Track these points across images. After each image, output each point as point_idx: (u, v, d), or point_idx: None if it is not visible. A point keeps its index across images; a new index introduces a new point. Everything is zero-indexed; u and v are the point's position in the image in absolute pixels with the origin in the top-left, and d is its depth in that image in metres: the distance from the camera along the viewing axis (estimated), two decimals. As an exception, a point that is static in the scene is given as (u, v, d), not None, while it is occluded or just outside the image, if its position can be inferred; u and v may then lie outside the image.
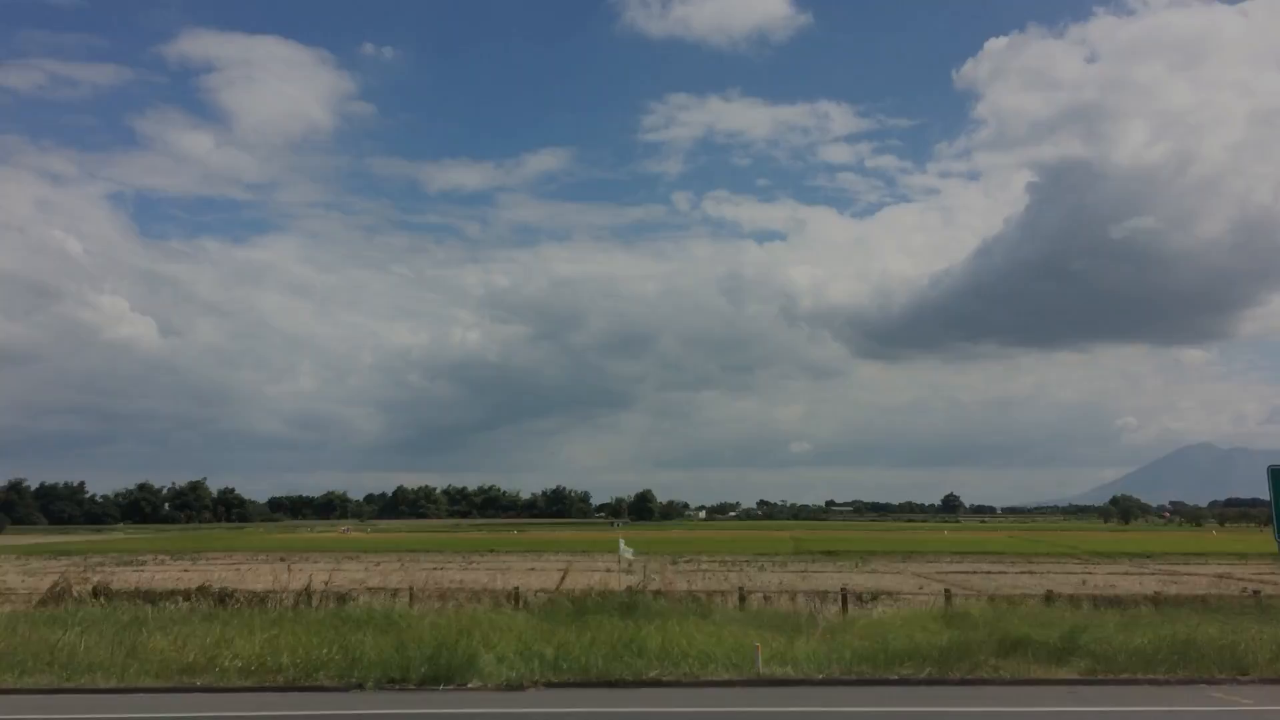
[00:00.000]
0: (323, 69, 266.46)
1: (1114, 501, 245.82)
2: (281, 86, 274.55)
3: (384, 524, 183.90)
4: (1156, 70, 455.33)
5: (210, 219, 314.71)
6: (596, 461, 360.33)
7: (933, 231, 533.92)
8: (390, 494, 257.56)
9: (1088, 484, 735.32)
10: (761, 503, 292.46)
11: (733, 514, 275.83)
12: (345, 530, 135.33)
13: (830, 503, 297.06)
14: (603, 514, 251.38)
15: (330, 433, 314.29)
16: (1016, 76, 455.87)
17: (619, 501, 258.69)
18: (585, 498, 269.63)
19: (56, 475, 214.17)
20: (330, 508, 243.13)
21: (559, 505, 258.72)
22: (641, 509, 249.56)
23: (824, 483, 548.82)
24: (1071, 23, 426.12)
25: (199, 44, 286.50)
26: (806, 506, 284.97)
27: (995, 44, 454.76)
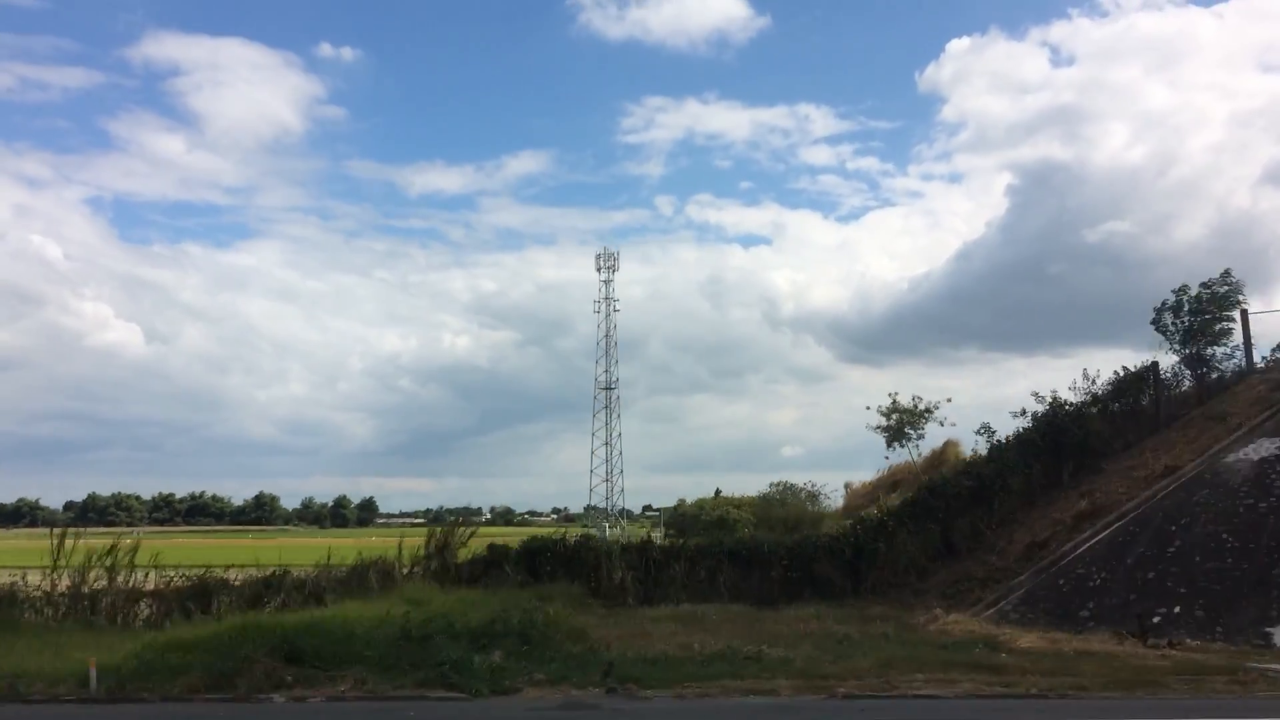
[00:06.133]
0: (290, 71, 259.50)
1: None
2: (250, 89, 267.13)
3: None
4: (1132, 73, 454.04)
5: (191, 224, 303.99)
6: (588, 466, 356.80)
7: (917, 235, 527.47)
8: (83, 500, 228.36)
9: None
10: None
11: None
12: None
13: (646, 507, 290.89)
14: (302, 520, 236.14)
15: (323, 438, 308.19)
16: (982, 79, 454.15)
17: (322, 507, 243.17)
18: (311, 501, 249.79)
19: (50, 482, 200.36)
20: (19, 515, 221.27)
21: (259, 512, 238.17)
22: (337, 515, 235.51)
23: (813, 487, 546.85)
24: (1040, 24, 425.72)
25: (163, 47, 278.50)
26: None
27: (958, 45, 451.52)
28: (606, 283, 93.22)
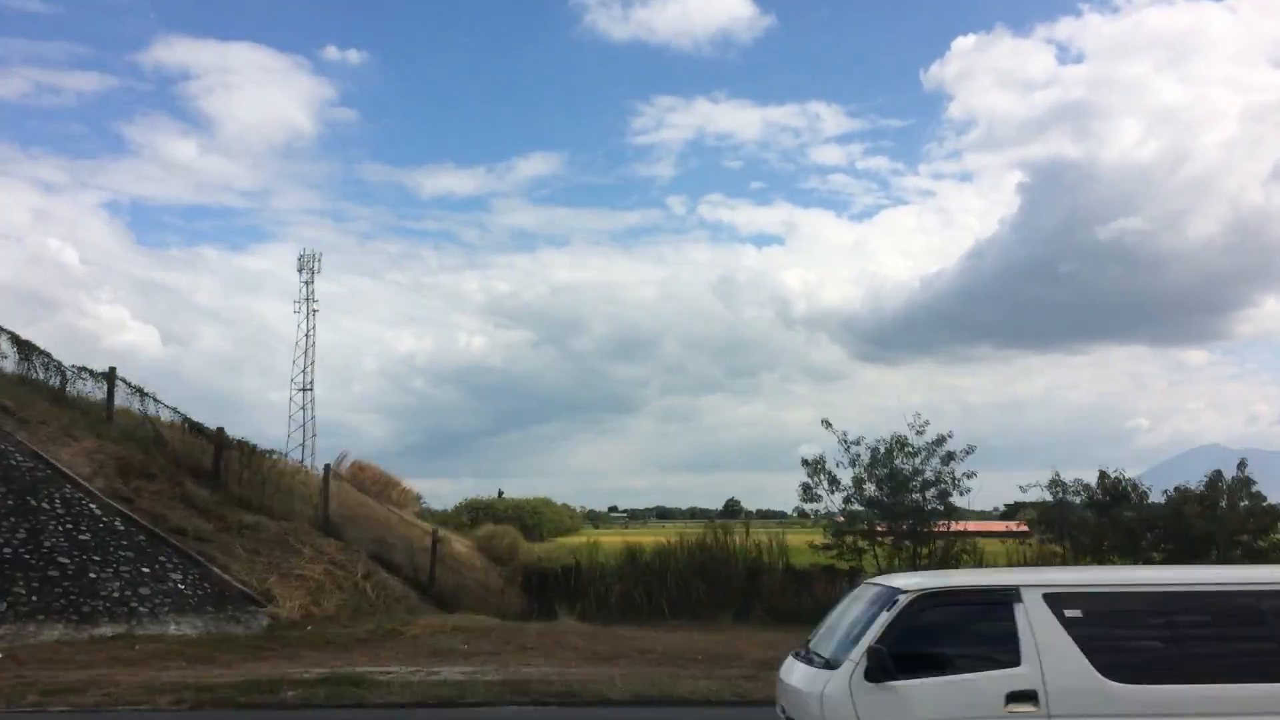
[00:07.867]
0: (299, 74, 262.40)
1: None
2: (260, 92, 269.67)
3: None
4: (1143, 68, 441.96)
5: (206, 226, 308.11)
6: (605, 465, 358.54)
7: (930, 233, 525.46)
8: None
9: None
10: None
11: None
12: None
13: (612, 508, 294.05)
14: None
15: (341, 440, 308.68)
16: (988, 76, 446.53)
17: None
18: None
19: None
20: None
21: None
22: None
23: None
24: (1046, 21, 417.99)
25: (173, 51, 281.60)
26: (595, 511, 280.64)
27: (963, 42, 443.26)
28: (307, 283, 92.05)
